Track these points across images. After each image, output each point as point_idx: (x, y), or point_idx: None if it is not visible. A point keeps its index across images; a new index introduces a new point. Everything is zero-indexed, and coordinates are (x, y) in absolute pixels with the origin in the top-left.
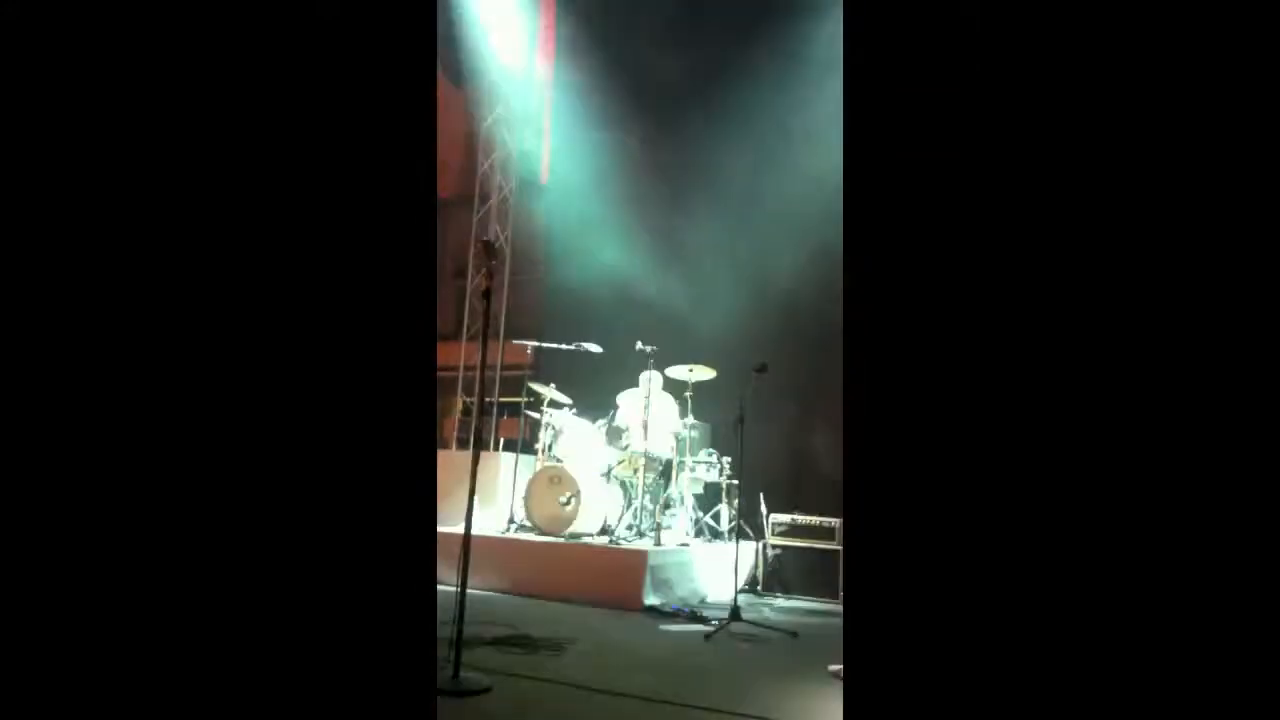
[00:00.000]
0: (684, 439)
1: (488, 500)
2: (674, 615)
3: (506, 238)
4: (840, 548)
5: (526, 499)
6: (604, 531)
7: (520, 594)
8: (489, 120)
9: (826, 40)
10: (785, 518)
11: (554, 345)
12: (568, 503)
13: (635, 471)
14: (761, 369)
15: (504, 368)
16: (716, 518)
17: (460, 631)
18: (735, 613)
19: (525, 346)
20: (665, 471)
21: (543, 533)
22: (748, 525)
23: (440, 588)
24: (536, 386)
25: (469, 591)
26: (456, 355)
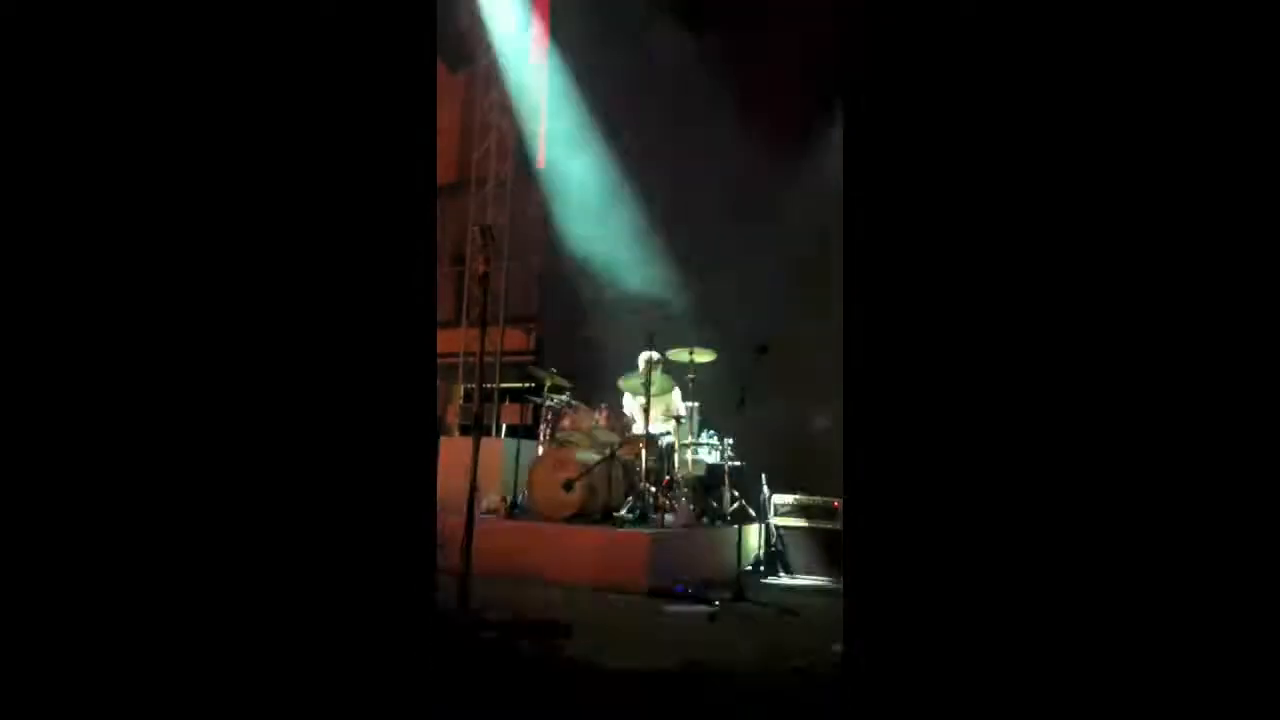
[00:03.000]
0: (685, 421)
1: (490, 486)
2: (678, 597)
3: (504, 223)
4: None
5: (529, 484)
6: (607, 515)
7: (524, 578)
8: (485, 105)
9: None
10: (788, 498)
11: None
12: (570, 487)
13: (637, 455)
14: (762, 350)
15: (504, 353)
16: (719, 499)
17: (465, 613)
18: (739, 593)
19: (524, 331)
20: (667, 454)
21: (545, 517)
22: (750, 506)
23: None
24: (537, 371)
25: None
26: (456, 342)
